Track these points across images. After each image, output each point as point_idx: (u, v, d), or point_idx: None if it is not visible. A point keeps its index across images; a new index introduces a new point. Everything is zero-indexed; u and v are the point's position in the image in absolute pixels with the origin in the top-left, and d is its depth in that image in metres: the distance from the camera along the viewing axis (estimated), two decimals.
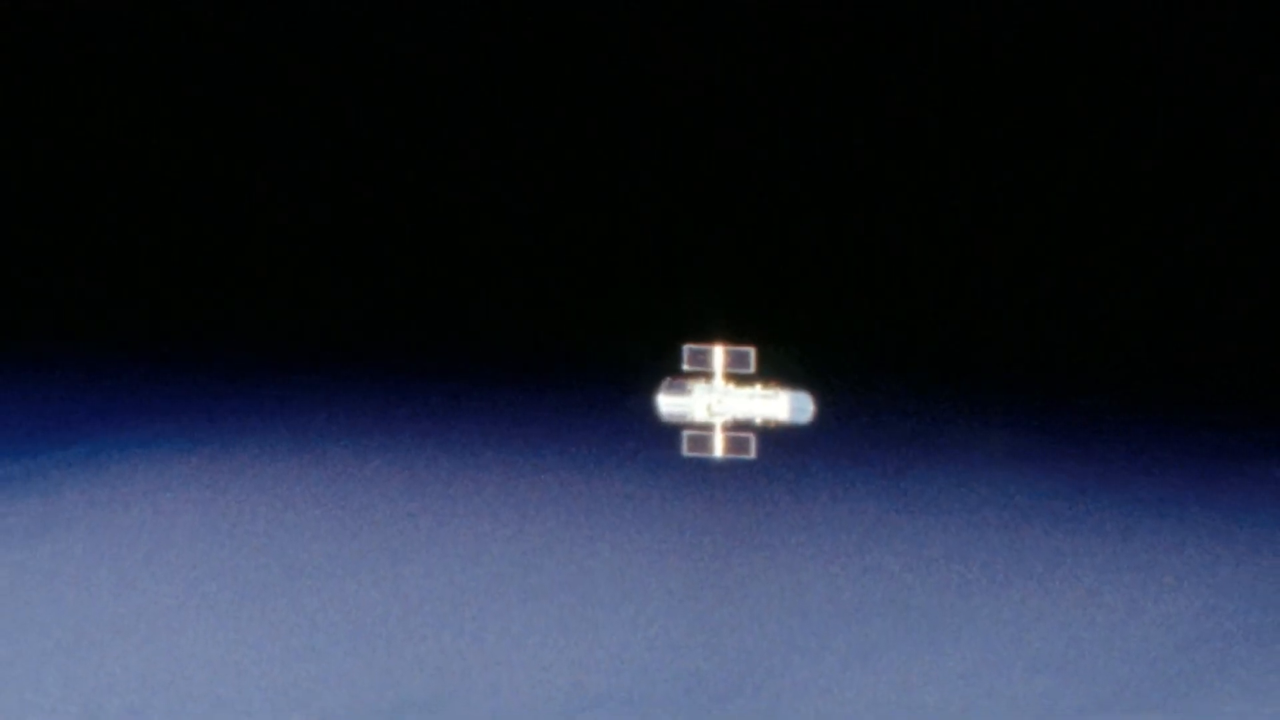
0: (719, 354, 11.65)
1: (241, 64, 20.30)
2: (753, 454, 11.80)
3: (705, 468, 13.67)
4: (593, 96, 19.79)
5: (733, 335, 11.77)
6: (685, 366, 11.73)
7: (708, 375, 11.70)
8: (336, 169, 20.88)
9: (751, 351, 11.59)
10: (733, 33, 19.24)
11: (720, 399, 11.71)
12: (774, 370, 11.75)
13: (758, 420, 11.69)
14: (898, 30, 19.52)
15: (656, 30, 20.23)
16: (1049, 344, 18.11)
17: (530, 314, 18.14)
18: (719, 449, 11.81)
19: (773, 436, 11.88)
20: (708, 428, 11.75)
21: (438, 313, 19.10)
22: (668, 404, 11.76)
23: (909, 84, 19.14)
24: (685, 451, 11.92)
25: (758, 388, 11.65)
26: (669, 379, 11.77)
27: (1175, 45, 19.11)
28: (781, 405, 11.71)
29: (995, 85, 19.13)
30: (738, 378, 11.65)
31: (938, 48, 19.19)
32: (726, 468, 13.31)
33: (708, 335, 11.77)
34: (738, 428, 11.73)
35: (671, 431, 11.92)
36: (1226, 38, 19.25)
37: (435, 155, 19.86)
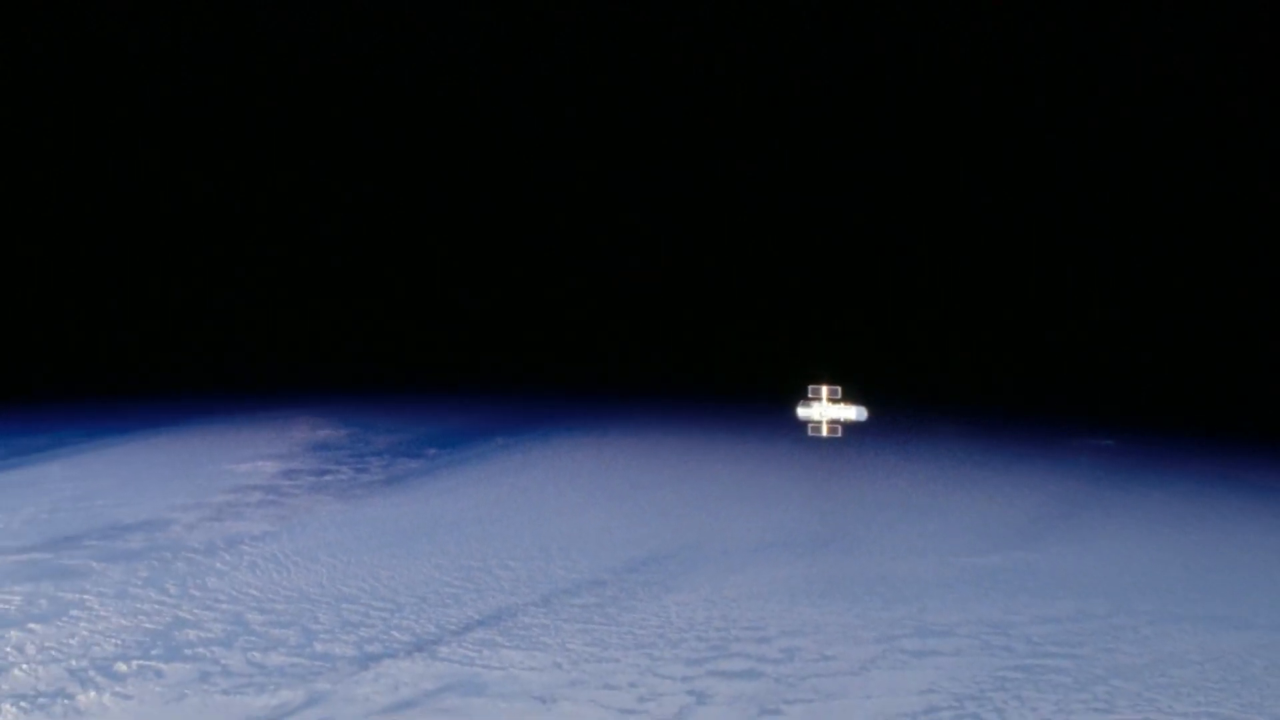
0: (825, 389, 17.58)
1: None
2: (840, 434, 17.77)
3: (818, 441, 23.93)
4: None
5: (831, 381, 17.93)
6: (809, 395, 17.88)
7: (819, 399, 17.62)
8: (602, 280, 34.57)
9: (840, 388, 17.77)
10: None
11: (825, 409, 17.74)
12: (850, 396, 17.85)
13: (842, 419, 17.42)
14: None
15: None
16: (973, 389, 30.13)
17: (738, 375, 30.44)
18: (825, 432, 17.48)
19: (849, 427, 18.17)
20: (819, 422, 17.74)
21: (691, 373, 31.32)
22: (801, 412, 17.80)
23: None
24: (809, 434, 18.07)
25: (843, 404, 17.70)
26: (802, 400, 17.66)
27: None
28: (853, 412, 17.44)
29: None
30: (834, 400, 17.74)
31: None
32: (828, 441, 22.41)
33: (819, 381, 17.94)
34: (833, 423, 17.48)
35: (802, 424, 18.23)
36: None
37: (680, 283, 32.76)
